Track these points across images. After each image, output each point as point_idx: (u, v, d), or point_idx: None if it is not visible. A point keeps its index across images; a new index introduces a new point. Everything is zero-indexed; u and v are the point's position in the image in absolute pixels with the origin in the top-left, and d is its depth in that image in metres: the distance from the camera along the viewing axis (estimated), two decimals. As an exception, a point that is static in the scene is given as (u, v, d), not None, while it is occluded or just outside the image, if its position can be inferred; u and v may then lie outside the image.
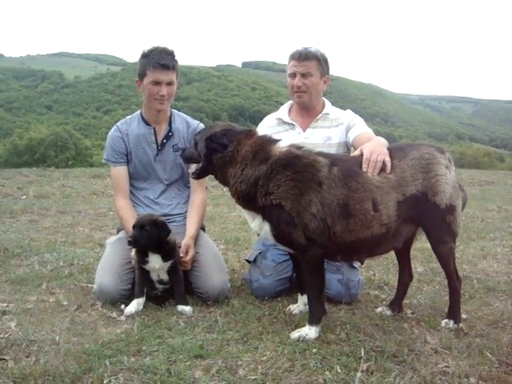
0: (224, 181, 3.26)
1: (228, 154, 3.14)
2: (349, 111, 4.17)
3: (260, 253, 4.06)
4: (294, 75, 3.99)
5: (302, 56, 3.94)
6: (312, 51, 3.97)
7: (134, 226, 3.52)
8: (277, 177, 3.04)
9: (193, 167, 3.45)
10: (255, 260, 4.06)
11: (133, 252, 3.72)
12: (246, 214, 3.30)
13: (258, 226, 3.22)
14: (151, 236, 3.49)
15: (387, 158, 3.18)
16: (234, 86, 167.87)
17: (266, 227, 3.15)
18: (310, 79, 3.96)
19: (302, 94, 4.01)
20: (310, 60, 3.94)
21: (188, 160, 3.48)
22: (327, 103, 4.19)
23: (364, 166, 3.16)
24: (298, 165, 3.08)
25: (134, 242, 3.47)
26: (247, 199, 3.14)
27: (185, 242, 3.82)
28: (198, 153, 3.28)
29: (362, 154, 3.26)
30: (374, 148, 3.24)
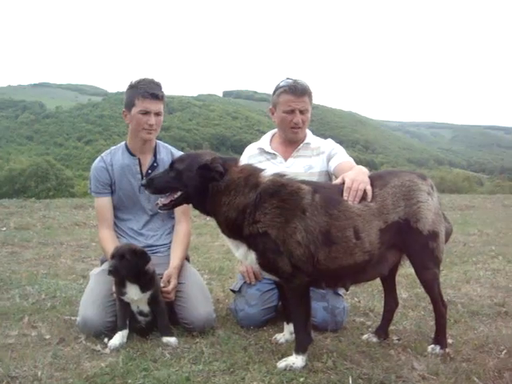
0: (214, 209, 3.17)
1: (224, 181, 3.11)
2: (330, 140, 4.22)
3: (245, 282, 4.04)
4: (292, 112, 3.96)
5: (299, 91, 3.93)
6: (305, 85, 3.97)
7: (112, 256, 3.49)
8: (264, 205, 3.06)
9: (162, 199, 3.27)
10: (240, 289, 4.04)
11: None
12: (230, 244, 3.27)
13: (243, 255, 3.21)
14: (131, 265, 3.46)
15: (368, 187, 3.22)
16: (215, 116, 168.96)
17: (252, 256, 3.14)
18: (306, 115, 4.01)
19: (298, 130, 4.04)
20: (305, 96, 3.97)
21: (162, 190, 3.26)
22: (308, 132, 4.23)
23: (345, 194, 3.20)
24: (283, 193, 3.11)
25: (114, 271, 3.43)
26: (234, 228, 3.13)
27: (167, 272, 3.80)
28: (184, 182, 3.16)
29: (343, 183, 3.30)
30: (356, 176, 3.28)
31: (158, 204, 3.28)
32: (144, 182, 3.32)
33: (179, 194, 3.20)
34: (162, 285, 3.70)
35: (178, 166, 3.20)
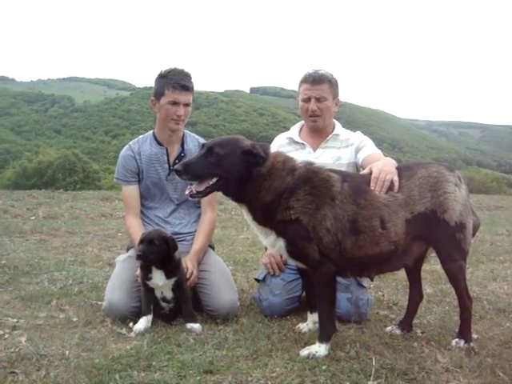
0: (252, 195, 3.10)
1: (266, 166, 3.09)
2: (359, 133, 4.22)
3: (269, 272, 4.07)
4: (308, 99, 4.04)
5: (316, 80, 3.99)
6: (324, 74, 4.03)
7: (141, 241, 3.53)
8: (298, 191, 3.07)
9: (194, 186, 3.11)
10: (264, 279, 4.06)
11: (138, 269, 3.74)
12: (259, 231, 3.26)
13: (271, 243, 3.22)
14: (159, 251, 3.50)
15: (395, 178, 3.22)
16: (241, 112, 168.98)
17: (281, 243, 3.15)
18: (324, 103, 4.02)
19: (316, 119, 4.07)
20: (323, 83, 4.00)
21: (200, 176, 3.07)
22: (337, 124, 4.25)
23: (372, 184, 3.21)
24: (315, 179, 3.13)
25: (142, 256, 3.48)
26: (268, 213, 3.11)
27: (186, 257, 3.85)
28: (225, 167, 3.05)
29: (370, 173, 3.30)
30: (383, 167, 3.28)
31: (191, 191, 3.12)
32: (179, 167, 3.08)
33: (215, 179, 3.09)
34: None
35: (218, 151, 3.07)
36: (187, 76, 3.95)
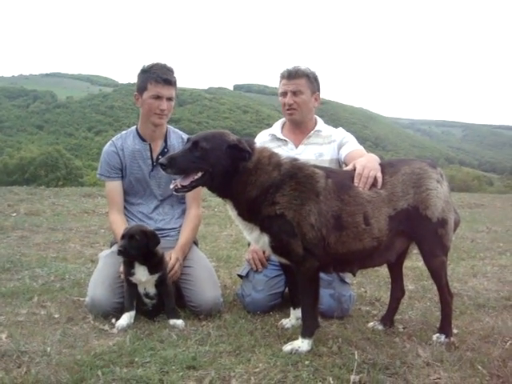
0: (238, 190, 3.09)
1: (252, 161, 3.09)
2: (341, 129, 4.25)
3: (252, 268, 4.08)
4: (285, 94, 4.07)
5: (292, 74, 4.03)
6: (301, 69, 4.06)
7: (123, 236, 3.52)
8: (283, 186, 3.08)
9: (179, 180, 3.08)
10: (247, 275, 4.07)
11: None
12: (244, 227, 3.25)
13: (255, 238, 3.22)
14: (140, 246, 3.50)
15: (379, 174, 3.25)
16: (225, 109, 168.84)
17: (265, 239, 3.15)
18: (300, 97, 4.04)
19: (293, 112, 4.08)
20: (300, 78, 4.03)
21: (185, 170, 3.04)
22: (319, 121, 4.27)
23: (356, 180, 3.23)
24: (300, 175, 3.14)
25: (123, 251, 3.46)
26: (253, 209, 3.10)
27: (172, 250, 3.85)
28: (211, 162, 3.02)
29: (354, 169, 3.32)
30: (367, 163, 3.31)
31: (175, 186, 3.07)
32: (164, 161, 3.02)
33: (200, 174, 3.06)
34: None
35: (204, 145, 3.03)
36: (170, 70, 3.94)
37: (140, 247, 3.49)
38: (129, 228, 3.63)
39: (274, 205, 3.06)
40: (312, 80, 4.08)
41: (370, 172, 3.24)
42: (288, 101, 4.04)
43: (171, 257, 3.79)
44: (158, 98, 3.88)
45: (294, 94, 4.03)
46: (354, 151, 3.90)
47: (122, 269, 3.68)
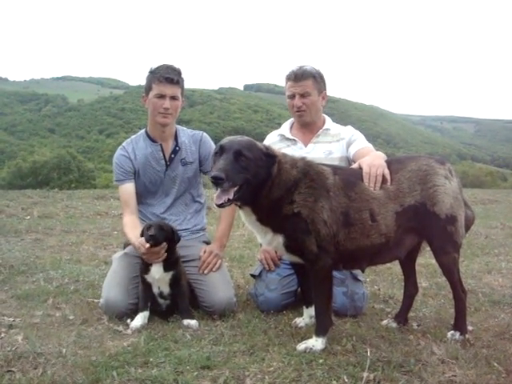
0: (266, 195, 3.03)
1: (276, 163, 3.06)
2: (349, 127, 4.24)
3: (264, 268, 4.08)
4: (293, 96, 4.08)
5: (298, 76, 4.03)
6: (307, 70, 4.05)
7: (149, 226, 3.56)
8: (300, 184, 3.09)
9: (220, 194, 2.91)
10: (260, 274, 4.08)
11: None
12: (259, 230, 3.22)
13: (269, 240, 3.21)
14: (167, 237, 3.58)
15: (386, 171, 3.25)
16: (235, 109, 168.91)
17: (279, 239, 3.14)
18: (308, 98, 4.04)
19: (302, 113, 4.09)
20: (307, 79, 4.02)
21: (239, 182, 2.90)
22: (327, 119, 4.27)
23: (365, 181, 3.22)
24: (312, 172, 3.16)
25: (154, 237, 3.49)
26: (272, 211, 3.07)
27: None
28: (254, 171, 2.95)
29: (360, 168, 3.32)
30: (372, 162, 3.31)
31: (222, 202, 2.91)
32: (220, 174, 2.81)
33: (240, 184, 2.94)
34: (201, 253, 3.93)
35: (248, 154, 2.93)
36: (174, 70, 3.96)
37: (167, 239, 3.57)
38: (154, 221, 3.75)
39: (292, 203, 3.07)
40: (318, 80, 4.08)
41: (378, 170, 3.23)
42: (297, 103, 4.05)
43: (205, 250, 3.96)
44: (161, 96, 3.90)
45: (302, 95, 4.03)
46: (362, 149, 3.89)
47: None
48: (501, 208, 15.07)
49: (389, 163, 3.34)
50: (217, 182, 2.82)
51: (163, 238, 3.55)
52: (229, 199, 2.91)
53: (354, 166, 3.50)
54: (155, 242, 3.53)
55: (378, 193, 3.19)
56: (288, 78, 4.10)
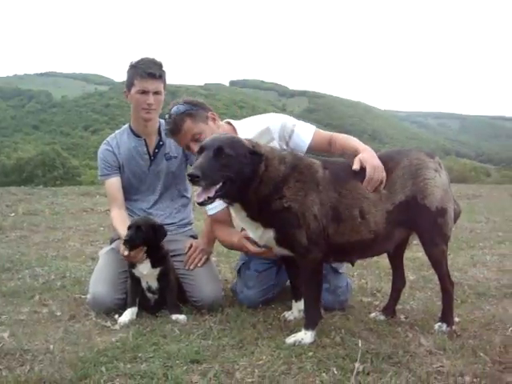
0: (254, 191, 3.00)
1: (264, 161, 3.02)
2: (264, 118, 3.96)
3: (244, 263, 4.05)
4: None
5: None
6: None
7: (129, 227, 3.52)
8: (289, 179, 3.07)
9: (201, 192, 2.87)
10: (239, 270, 4.07)
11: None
12: (249, 226, 3.21)
13: (260, 235, 3.18)
14: (146, 237, 3.51)
15: (384, 174, 3.22)
16: (221, 105, 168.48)
17: (270, 234, 3.12)
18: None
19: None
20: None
21: (218, 181, 2.87)
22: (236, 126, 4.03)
23: (365, 184, 3.19)
24: (301, 166, 3.14)
25: (129, 240, 3.45)
26: (262, 207, 3.05)
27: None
28: (236, 169, 2.91)
29: (353, 163, 3.27)
30: (374, 163, 3.22)
31: (204, 199, 2.87)
32: (197, 172, 2.78)
33: (222, 182, 2.89)
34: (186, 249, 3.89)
35: (229, 152, 2.89)
36: (156, 64, 3.90)
37: (146, 238, 3.51)
38: (136, 219, 3.65)
39: (282, 198, 3.05)
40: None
41: (380, 174, 3.19)
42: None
43: (191, 245, 3.92)
44: (144, 92, 3.86)
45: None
46: (317, 134, 3.66)
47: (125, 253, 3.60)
48: (485, 202, 15.20)
49: (384, 162, 3.25)
50: (193, 179, 2.80)
51: (141, 240, 3.49)
52: (209, 197, 2.87)
53: (355, 164, 3.27)
54: (131, 246, 3.49)
55: (371, 193, 3.19)
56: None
